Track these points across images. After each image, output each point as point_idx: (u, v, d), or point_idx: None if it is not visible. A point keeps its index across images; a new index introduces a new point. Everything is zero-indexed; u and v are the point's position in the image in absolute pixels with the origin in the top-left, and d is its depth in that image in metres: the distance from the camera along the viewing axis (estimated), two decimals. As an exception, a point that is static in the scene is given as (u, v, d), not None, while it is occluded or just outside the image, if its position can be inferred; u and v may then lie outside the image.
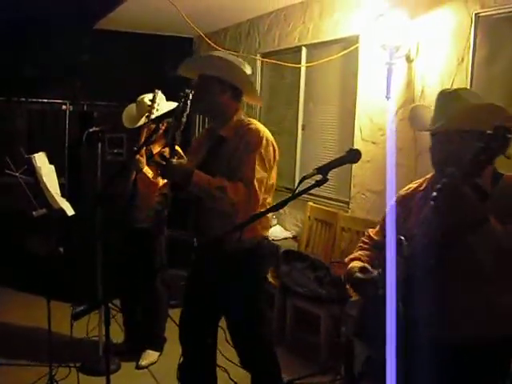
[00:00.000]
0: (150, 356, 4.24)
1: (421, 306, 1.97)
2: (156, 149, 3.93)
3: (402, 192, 2.34)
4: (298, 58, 5.32)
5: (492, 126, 1.70)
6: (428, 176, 2.28)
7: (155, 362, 4.22)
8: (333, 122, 5.07)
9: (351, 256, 2.41)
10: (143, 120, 3.76)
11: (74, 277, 4.89)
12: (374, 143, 4.48)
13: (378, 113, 4.42)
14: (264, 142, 2.74)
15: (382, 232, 2.31)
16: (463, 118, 1.98)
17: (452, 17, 3.74)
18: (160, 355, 4.28)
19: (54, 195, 3.22)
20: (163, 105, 3.81)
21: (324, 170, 2.19)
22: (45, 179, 3.18)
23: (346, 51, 4.63)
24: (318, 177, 2.12)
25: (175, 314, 4.79)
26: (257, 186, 2.68)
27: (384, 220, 2.33)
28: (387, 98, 4.12)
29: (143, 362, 4.17)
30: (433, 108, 2.17)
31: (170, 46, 7.09)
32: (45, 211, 3.20)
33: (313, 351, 4.34)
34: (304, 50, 5.27)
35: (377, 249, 2.34)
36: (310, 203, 5.11)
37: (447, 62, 3.80)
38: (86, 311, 2.05)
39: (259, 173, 2.70)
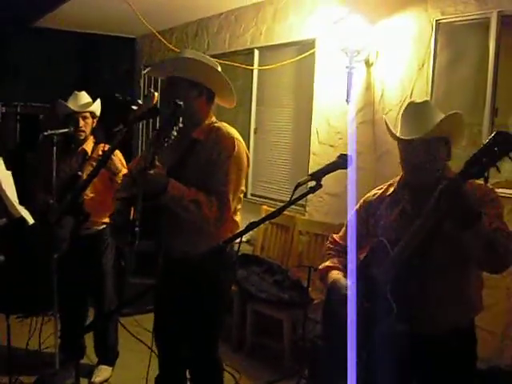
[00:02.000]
0: (103, 372, 4.03)
1: (409, 304, 2.06)
2: (88, 147, 3.81)
3: (368, 198, 2.42)
4: (250, 61, 5.29)
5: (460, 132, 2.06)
6: (391, 181, 2.40)
7: (109, 378, 4.03)
8: (287, 125, 5.06)
9: (327, 264, 2.43)
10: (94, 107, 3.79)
11: (13, 286, 4.64)
12: (331, 146, 4.50)
13: (335, 116, 4.45)
14: (237, 149, 2.66)
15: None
16: (444, 126, 2.14)
17: (413, 23, 3.81)
18: (112, 370, 4.10)
19: (14, 203, 3.03)
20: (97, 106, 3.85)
21: (317, 175, 2.14)
22: (3, 186, 2.98)
23: (303, 55, 4.63)
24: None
25: (129, 322, 4.70)
26: (231, 199, 2.62)
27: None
28: (347, 101, 4.16)
29: (97, 379, 3.96)
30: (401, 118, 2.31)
31: (110, 46, 6.90)
32: (5, 221, 2.99)
33: (275, 356, 4.31)
34: (256, 53, 5.25)
35: (345, 253, 2.41)
36: (265, 206, 5.07)
37: (408, 67, 3.87)
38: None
39: (233, 183, 2.63)
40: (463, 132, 2.26)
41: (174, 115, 2.46)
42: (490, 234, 1.93)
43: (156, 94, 3.15)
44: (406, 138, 2.20)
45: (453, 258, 2.08)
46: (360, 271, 2.27)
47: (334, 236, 2.53)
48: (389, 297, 2.08)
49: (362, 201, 2.43)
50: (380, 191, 2.40)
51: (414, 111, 2.26)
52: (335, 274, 2.35)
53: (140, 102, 2.58)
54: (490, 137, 1.80)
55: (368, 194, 2.44)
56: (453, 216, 1.92)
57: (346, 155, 2.18)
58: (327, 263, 2.43)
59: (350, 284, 2.26)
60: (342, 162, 2.19)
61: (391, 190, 2.35)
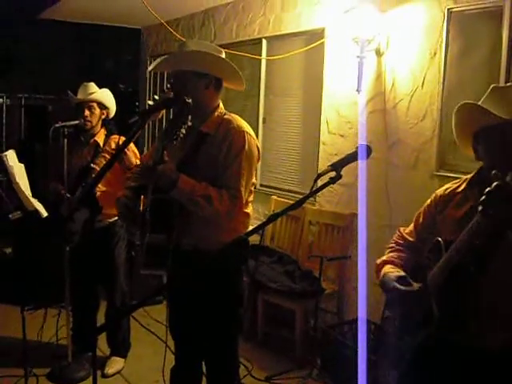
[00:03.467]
0: (116, 363, 4.05)
1: (458, 314, 1.94)
2: (100, 139, 3.83)
3: (439, 192, 2.22)
4: (258, 50, 5.26)
5: None
6: (467, 177, 2.15)
7: (121, 370, 4.04)
8: (296, 115, 5.04)
9: (384, 258, 2.29)
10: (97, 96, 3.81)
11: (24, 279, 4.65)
12: (341, 136, 4.49)
13: (345, 106, 4.44)
14: (248, 142, 2.64)
15: (417, 233, 2.26)
16: None
17: (424, 12, 3.78)
18: (125, 361, 4.11)
19: (28, 196, 3.02)
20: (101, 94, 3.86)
21: (337, 166, 2.12)
22: (17, 179, 2.98)
23: (312, 45, 4.61)
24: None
25: (139, 313, 4.70)
26: (243, 193, 2.60)
27: (418, 220, 2.27)
28: (358, 91, 4.14)
29: (110, 371, 3.97)
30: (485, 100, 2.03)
31: (115, 37, 6.88)
32: (20, 214, 2.99)
33: (287, 346, 4.33)
34: (264, 42, 5.22)
35: (412, 251, 2.26)
36: (274, 197, 5.08)
37: (419, 56, 3.85)
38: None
39: (245, 177, 2.60)
40: None
41: (183, 113, 2.45)
42: None
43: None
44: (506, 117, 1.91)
45: None
46: (414, 273, 2.13)
47: (401, 229, 2.35)
48: (433, 304, 1.96)
49: (433, 195, 2.23)
50: (453, 185, 2.17)
51: (502, 94, 2.00)
52: (387, 268, 2.21)
53: (157, 97, 2.55)
54: None
55: (441, 188, 2.22)
56: (502, 224, 1.73)
57: (365, 145, 2.17)
58: (384, 257, 2.30)
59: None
60: (361, 153, 2.19)
61: (463, 186, 2.12)
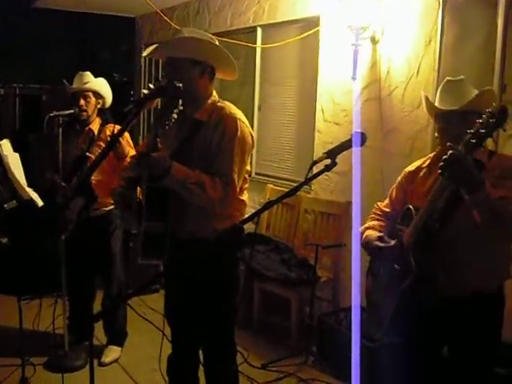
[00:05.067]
0: (112, 352, 4.07)
1: (430, 264, 2.27)
2: (95, 127, 3.83)
3: (408, 168, 2.61)
4: (253, 39, 5.25)
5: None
6: (431, 154, 2.56)
7: (118, 358, 4.06)
8: (291, 103, 5.04)
9: (366, 225, 2.66)
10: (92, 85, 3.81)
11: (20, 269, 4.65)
12: (337, 124, 4.49)
13: (340, 94, 4.43)
14: (240, 128, 2.63)
15: (392, 204, 2.64)
16: (479, 100, 2.28)
17: (419, -1, 3.78)
18: (121, 350, 4.14)
19: (23, 185, 3.02)
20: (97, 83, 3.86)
21: (333, 153, 2.14)
22: (12, 168, 2.97)
23: (308, 33, 4.59)
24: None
25: (135, 302, 4.71)
26: (236, 179, 2.59)
27: (392, 194, 2.65)
28: (353, 78, 4.14)
29: (106, 359, 3.99)
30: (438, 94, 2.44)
31: (110, 26, 6.83)
32: (15, 203, 2.99)
33: (282, 334, 4.35)
34: (259, 31, 5.21)
35: (389, 219, 2.62)
36: (270, 185, 5.08)
37: (414, 44, 3.85)
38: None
39: (237, 164, 2.60)
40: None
41: (173, 97, 2.44)
42: (493, 202, 2.08)
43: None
44: (448, 108, 2.34)
45: (474, 225, 2.17)
46: (390, 236, 2.47)
47: (379, 203, 2.73)
48: (410, 258, 2.26)
49: (403, 171, 2.63)
50: (419, 162, 2.57)
51: (450, 87, 2.41)
52: (368, 232, 2.58)
53: (152, 86, 2.55)
54: (488, 110, 2.02)
55: (409, 166, 2.62)
56: (456, 183, 2.11)
57: (360, 133, 2.19)
58: (366, 225, 2.66)
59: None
60: (356, 140, 2.20)
61: (428, 162, 2.51)
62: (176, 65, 2.62)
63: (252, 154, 5.25)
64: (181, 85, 2.43)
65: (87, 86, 3.80)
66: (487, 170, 2.20)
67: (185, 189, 2.52)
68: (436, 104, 2.40)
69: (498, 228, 2.16)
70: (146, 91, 2.56)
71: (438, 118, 2.40)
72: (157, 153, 2.49)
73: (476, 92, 2.33)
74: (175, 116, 2.44)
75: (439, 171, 2.08)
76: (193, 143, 2.66)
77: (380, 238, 2.48)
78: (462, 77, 2.42)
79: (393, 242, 2.42)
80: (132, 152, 3.50)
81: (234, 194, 2.62)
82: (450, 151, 2.03)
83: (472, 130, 2.03)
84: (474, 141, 2.02)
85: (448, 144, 2.10)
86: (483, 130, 2.01)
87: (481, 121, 2.02)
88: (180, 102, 2.45)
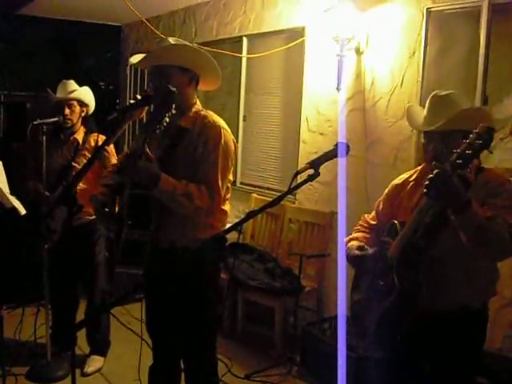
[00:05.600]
0: (95, 362, 4.03)
1: (415, 280, 2.23)
2: (79, 136, 3.81)
3: (395, 181, 2.58)
4: (239, 48, 5.26)
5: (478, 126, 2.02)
6: (418, 168, 2.52)
7: (101, 368, 4.01)
8: (276, 113, 5.06)
9: (350, 236, 2.65)
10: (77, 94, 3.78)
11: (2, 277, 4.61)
12: (321, 134, 4.51)
13: (325, 104, 4.46)
14: (223, 137, 2.64)
15: (378, 217, 2.62)
16: (459, 120, 2.24)
17: (403, 11, 3.82)
18: (104, 360, 4.09)
19: (5, 193, 2.99)
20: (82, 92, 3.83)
21: (316, 163, 2.14)
22: (-6, 176, 2.95)
23: (293, 43, 4.62)
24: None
25: (119, 311, 4.69)
26: (220, 187, 2.61)
27: (378, 207, 2.62)
28: (338, 89, 4.16)
29: (89, 369, 3.94)
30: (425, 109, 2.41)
31: (96, 34, 6.81)
32: (-3, 211, 2.96)
33: (266, 344, 4.34)
34: (245, 41, 5.23)
35: (374, 232, 2.61)
36: (254, 195, 5.08)
37: (398, 55, 3.88)
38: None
39: (221, 172, 2.61)
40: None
41: (167, 101, 2.44)
42: (479, 221, 2.04)
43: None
44: (424, 129, 2.36)
45: (461, 243, 2.15)
46: (377, 251, 2.44)
47: (366, 216, 2.71)
48: (394, 274, 2.25)
49: (390, 184, 2.61)
50: (406, 175, 2.55)
51: (435, 103, 2.38)
52: (351, 243, 2.57)
53: (138, 96, 2.54)
54: (475, 130, 1.98)
55: (396, 179, 2.60)
56: (441, 203, 2.09)
57: (343, 143, 2.20)
58: (351, 236, 2.66)
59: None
60: (339, 151, 2.21)
61: (415, 176, 2.49)
62: (164, 72, 2.61)
63: (237, 164, 5.31)
64: (175, 89, 2.43)
65: (73, 95, 3.78)
66: (475, 187, 2.18)
67: (173, 200, 2.52)
68: (422, 117, 2.40)
69: (484, 247, 2.11)
70: (132, 101, 2.56)
71: (422, 133, 2.40)
72: (146, 162, 2.48)
73: (464, 107, 2.30)
74: (167, 120, 2.43)
75: (425, 190, 2.05)
76: (177, 151, 2.66)
77: (360, 248, 2.47)
78: (450, 91, 2.37)
79: (371, 251, 2.43)
80: (114, 161, 3.49)
81: (218, 202, 2.63)
82: (436, 171, 2.00)
83: (458, 150, 1.99)
84: (460, 161, 1.99)
85: (433, 163, 2.07)
86: (469, 152, 1.98)
87: (468, 141, 1.99)
88: (173, 106, 2.45)
